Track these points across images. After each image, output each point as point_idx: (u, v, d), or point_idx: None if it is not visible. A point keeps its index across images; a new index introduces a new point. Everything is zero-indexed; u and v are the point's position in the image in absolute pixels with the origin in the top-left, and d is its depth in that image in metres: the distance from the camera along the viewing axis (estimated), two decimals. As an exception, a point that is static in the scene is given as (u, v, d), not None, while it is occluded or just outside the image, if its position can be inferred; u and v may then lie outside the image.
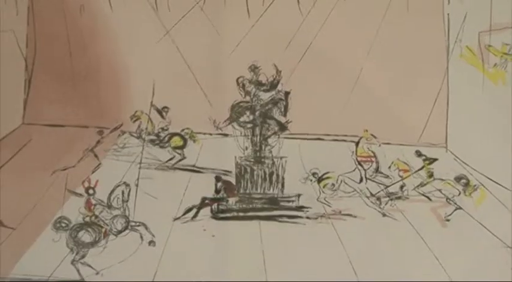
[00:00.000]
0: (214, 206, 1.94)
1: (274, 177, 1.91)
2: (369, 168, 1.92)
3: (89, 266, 1.78)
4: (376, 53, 1.94)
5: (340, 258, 1.87)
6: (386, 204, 1.91)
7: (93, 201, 1.88)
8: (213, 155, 1.97)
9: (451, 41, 1.91)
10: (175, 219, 1.90)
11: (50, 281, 1.81)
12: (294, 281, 1.88)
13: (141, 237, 1.88)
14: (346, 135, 1.97)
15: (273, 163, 1.91)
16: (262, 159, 1.91)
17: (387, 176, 1.90)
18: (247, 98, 1.87)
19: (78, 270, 1.77)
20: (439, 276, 1.84)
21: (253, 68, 1.84)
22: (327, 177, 1.90)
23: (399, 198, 1.90)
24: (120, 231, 1.88)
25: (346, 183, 1.91)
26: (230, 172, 1.94)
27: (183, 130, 1.99)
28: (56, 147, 1.94)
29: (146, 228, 1.89)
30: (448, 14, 1.93)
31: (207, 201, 1.91)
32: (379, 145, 1.91)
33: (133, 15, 1.94)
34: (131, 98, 1.94)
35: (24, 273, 1.78)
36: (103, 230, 1.86)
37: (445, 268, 1.85)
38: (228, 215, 1.92)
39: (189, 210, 1.90)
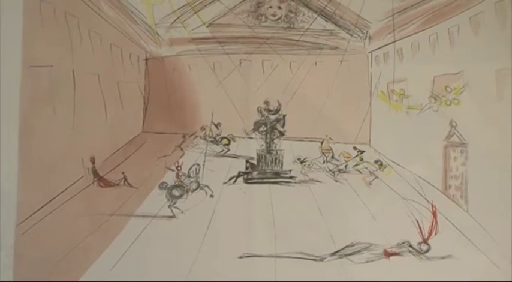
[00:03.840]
0: (245, 176, 2.08)
1: (277, 160, 2.08)
2: (328, 156, 2.07)
3: (178, 208, 2.00)
4: (333, 94, 2.07)
5: (312, 203, 2.05)
6: (337, 175, 2.05)
7: (180, 173, 2.06)
8: (245, 149, 2.10)
9: (373, 88, 2.07)
10: (224, 183, 2.05)
11: (157, 216, 1.99)
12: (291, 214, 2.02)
13: (206, 193, 2.05)
14: (316, 138, 2.09)
15: (277, 153, 2.07)
16: (271, 151, 2.08)
17: (338, 160, 2.06)
18: (263, 118, 2.06)
19: (172, 211, 1.99)
20: (365, 212, 2.00)
21: (266, 102, 2.02)
22: (305, 161, 2.05)
23: (344, 172, 2.04)
24: (194, 190, 2.06)
25: (316, 164, 2.06)
26: (253, 158, 2.09)
27: (228, 135, 2.15)
28: (160, 144, 2.09)
29: (209, 188, 2.05)
30: (371, 73, 2.09)
31: (241, 173, 2.07)
32: (334, 143, 2.07)
33: (201, 73, 2.08)
34: (200, 118, 2.09)
35: (143, 212, 1.99)
36: (185, 189, 2.04)
37: (369, 209, 2.01)
38: (252, 181, 2.08)
39: (231, 178, 2.05)
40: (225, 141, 2.13)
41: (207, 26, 2.02)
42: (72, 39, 1.96)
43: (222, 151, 2.13)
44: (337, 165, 2.09)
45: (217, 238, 1.96)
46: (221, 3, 2.00)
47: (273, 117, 2.07)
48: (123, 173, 2.01)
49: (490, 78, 2.03)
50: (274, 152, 2.10)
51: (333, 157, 2.09)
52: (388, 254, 1.95)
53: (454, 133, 2.05)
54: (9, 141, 1.88)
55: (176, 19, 2.00)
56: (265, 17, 2.02)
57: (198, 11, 2.00)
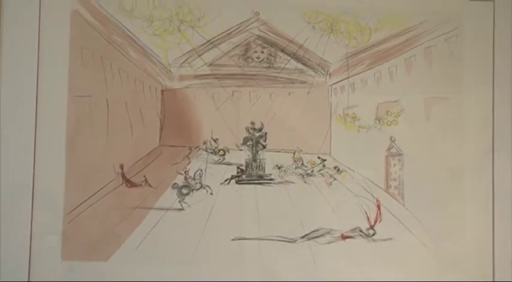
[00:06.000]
0: (236, 178, 2.14)
1: (260, 167, 2.14)
2: (299, 163, 2.14)
3: (186, 203, 2.08)
4: (302, 117, 2.13)
5: (287, 198, 2.13)
6: (305, 178, 2.13)
7: (187, 177, 2.13)
8: (236, 158, 2.16)
9: (332, 112, 2.13)
10: (221, 184, 2.12)
11: (170, 209, 2.08)
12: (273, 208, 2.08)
13: (207, 191, 2.12)
14: (290, 150, 2.15)
15: (260, 161, 2.14)
16: (256, 160, 2.14)
17: (306, 166, 2.12)
18: (250, 135, 2.11)
19: (181, 205, 2.07)
20: (326, 206, 2.10)
21: (252, 123, 2.08)
22: (282, 167, 2.12)
23: (311, 175, 2.11)
24: (198, 189, 2.12)
25: (289, 169, 2.14)
26: (243, 165, 2.15)
27: (224, 148, 2.18)
28: (173, 155, 2.14)
29: (209, 187, 2.13)
30: (331, 101, 2.15)
31: (233, 176, 2.14)
32: (303, 154, 2.15)
33: (203, 101, 2.13)
34: (203, 135, 2.12)
35: (159, 206, 2.07)
36: (191, 188, 2.11)
37: (329, 203, 2.11)
38: (242, 182, 2.14)
39: (226, 180, 2.12)
40: (221, 152, 2.18)
41: (208, 66, 2.11)
42: (106, 76, 2.07)
43: (219, 160, 2.18)
44: (306, 170, 2.15)
45: (216, 225, 2.02)
46: (218, 49, 2.11)
47: (257, 134, 2.14)
48: (144, 176, 2.08)
49: (420, 105, 2.13)
50: (258, 161, 2.17)
51: (302, 164, 2.15)
52: (344, 237, 2.03)
53: (393, 146, 2.15)
54: (59, 152, 2.02)
55: (184, 60, 2.10)
56: (252, 59, 2.11)
57: (201, 54, 2.10)
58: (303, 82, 2.19)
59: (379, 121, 2.15)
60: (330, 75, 2.18)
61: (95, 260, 2.01)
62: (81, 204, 2.02)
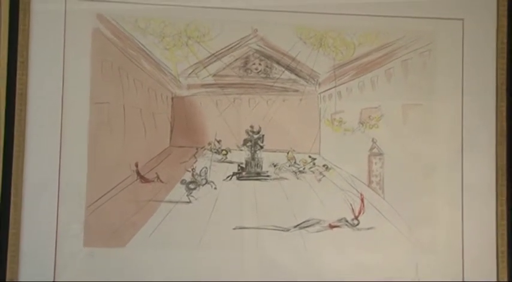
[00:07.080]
0: (237, 175, 2.18)
1: (258, 165, 2.17)
2: (292, 162, 2.19)
3: (192, 196, 2.15)
4: (295, 121, 2.18)
5: (282, 193, 2.21)
6: (298, 174, 2.18)
7: (194, 173, 2.21)
8: (237, 157, 2.19)
9: (321, 117, 2.18)
10: (224, 180, 2.17)
11: (179, 201, 2.18)
12: (265, 202, 2.18)
13: (211, 186, 2.20)
14: (284, 150, 2.20)
15: (258, 160, 2.16)
16: (254, 159, 2.17)
17: (298, 165, 2.16)
18: (249, 137, 2.15)
19: (189, 198, 2.15)
20: (316, 199, 2.20)
21: (251, 126, 2.13)
22: (277, 165, 2.17)
23: (303, 172, 2.16)
24: (204, 184, 2.20)
25: (284, 167, 2.18)
26: (243, 163, 2.18)
27: (226, 148, 2.22)
28: (181, 154, 2.17)
29: (213, 183, 2.20)
30: (320, 107, 2.18)
31: (234, 173, 2.18)
32: (296, 153, 2.19)
33: (208, 107, 2.18)
34: (208, 137, 2.16)
35: (169, 199, 2.15)
36: (198, 183, 2.19)
37: (319, 196, 2.21)
38: (242, 178, 2.18)
39: (228, 176, 2.17)
40: (224, 152, 2.23)
41: (212, 76, 2.19)
42: (123, 85, 2.14)
43: (222, 159, 2.22)
44: (298, 168, 2.21)
45: (219, 216, 2.09)
46: (221, 61, 2.20)
47: (255, 136, 2.20)
48: (156, 173, 2.15)
49: (398, 110, 2.21)
50: (256, 159, 2.21)
51: (295, 162, 2.21)
52: (331, 226, 2.11)
53: (375, 147, 2.25)
54: (81, 152, 2.09)
55: (192, 71, 2.18)
56: (251, 70, 2.19)
57: (206, 66, 2.18)
58: (296, 90, 2.27)
59: (363, 124, 2.25)
60: (319, 84, 2.27)
61: (114, 246, 2.13)
62: (101, 197, 2.12)
